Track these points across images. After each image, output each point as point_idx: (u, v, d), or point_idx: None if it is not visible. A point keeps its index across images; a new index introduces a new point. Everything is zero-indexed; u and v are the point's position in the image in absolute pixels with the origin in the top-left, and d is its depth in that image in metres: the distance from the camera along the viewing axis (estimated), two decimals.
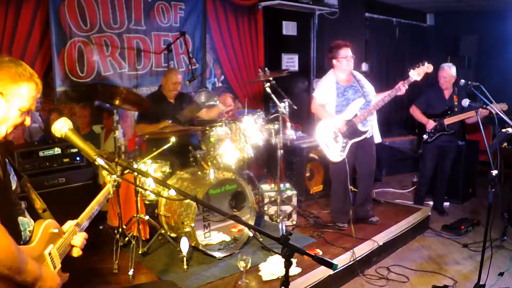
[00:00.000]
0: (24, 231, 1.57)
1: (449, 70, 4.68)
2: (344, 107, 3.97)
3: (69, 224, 1.76)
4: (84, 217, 1.82)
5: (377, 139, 4.17)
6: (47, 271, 1.51)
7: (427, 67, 3.73)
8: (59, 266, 1.62)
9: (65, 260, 1.68)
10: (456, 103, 4.70)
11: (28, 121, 1.56)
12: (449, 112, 4.70)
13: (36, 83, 1.53)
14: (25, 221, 1.60)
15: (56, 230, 1.64)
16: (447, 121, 4.68)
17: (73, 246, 1.74)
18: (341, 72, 4.01)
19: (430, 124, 4.73)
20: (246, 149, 3.95)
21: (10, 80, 1.47)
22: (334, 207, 4.28)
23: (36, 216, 1.66)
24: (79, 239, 1.75)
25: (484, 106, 3.52)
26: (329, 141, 4.01)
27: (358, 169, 4.22)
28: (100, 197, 1.94)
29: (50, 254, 1.58)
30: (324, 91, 4.04)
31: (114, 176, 1.88)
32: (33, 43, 3.95)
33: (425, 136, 4.82)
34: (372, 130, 4.10)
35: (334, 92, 3.99)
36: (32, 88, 1.51)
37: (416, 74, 3.76)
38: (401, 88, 3.78)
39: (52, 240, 1.61)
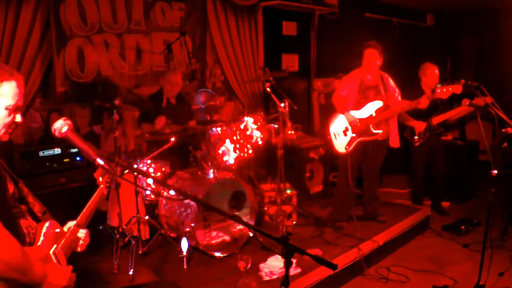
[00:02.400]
0: (27, 234, 1.57)
1: (435, 69, 4.62)
2: (361, 104, 3.99)
3: (69, 225, 1.76)
4: (83, 218, 1.82)
5: (394, 143, 4.15)
6: (55, 269, 1.51)
7: (457, 88, 3.64)
8: (65, 265, 1.62)
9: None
10: (439, 102, 4.66)
11: (18, 118, 1.56)
12: (434, 111, 4.66)
13: (17, 79, 1.53)
14: (27, 224, 1.60)
15: (58, 230, 1.64)
16: (435, 120, 4.66)
17: (77, 242, 1.74)
18: (365, 71, 4.04)
19: (422, 126, 4.66)
20: (246, 149, 3.95)
21: None
22: (334, 202, 4.30)
23: (36, 220, 1.66)
24: (83, 232, 1.77)
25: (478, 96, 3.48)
26: (339, 133, 4.06)
27: (363, 167, 4.23)
28: (94, 199, 1.92)
29: (55, 253, 1.58)
30: (347, 84, 4.09)
31: (101, 179, 1.86)
32: (33, 43, 3.93)
33: (416, 138, 4.74)
34: (388, 133, 4.09)
35: (356, 88, 4.02)
36: (13, 85, 1.52)
37: (443, 92, 3.71)
38: (420, 102, 3.81)
39: (55, 240, 1.62)
